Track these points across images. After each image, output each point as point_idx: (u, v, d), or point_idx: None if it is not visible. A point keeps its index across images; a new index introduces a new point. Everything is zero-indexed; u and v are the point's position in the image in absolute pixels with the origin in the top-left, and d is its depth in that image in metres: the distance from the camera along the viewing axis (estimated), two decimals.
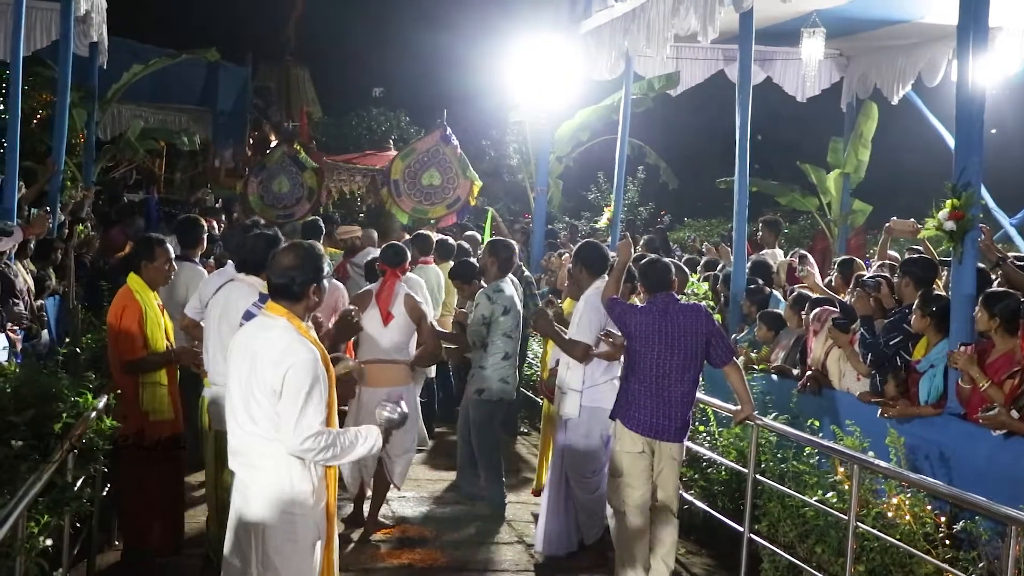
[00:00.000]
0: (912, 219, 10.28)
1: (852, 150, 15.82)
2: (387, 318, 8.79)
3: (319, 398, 4.88)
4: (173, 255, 8.02)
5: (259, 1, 30.11)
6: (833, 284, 10.50)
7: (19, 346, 9.19)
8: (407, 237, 13.43)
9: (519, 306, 9.74)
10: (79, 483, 6.22)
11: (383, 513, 9.35)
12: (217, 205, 19.50)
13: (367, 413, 8.18)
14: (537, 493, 9.96)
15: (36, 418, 6.12)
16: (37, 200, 12.69)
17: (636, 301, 8.55)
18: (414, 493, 10.16)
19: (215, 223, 15.81)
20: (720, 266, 13.27)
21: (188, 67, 20.02)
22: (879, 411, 8.01)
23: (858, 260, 10.72)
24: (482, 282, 9.91)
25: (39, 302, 10.27)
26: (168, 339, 7.77)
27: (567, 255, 15.20)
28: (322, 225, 13.17)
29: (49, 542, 5.32)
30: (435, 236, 13.36)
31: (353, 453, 5.08)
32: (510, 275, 9.88)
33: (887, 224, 10.55)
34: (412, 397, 9.06)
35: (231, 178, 18.64)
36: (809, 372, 9.09)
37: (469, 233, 16.05)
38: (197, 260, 9.53)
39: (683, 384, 7.51)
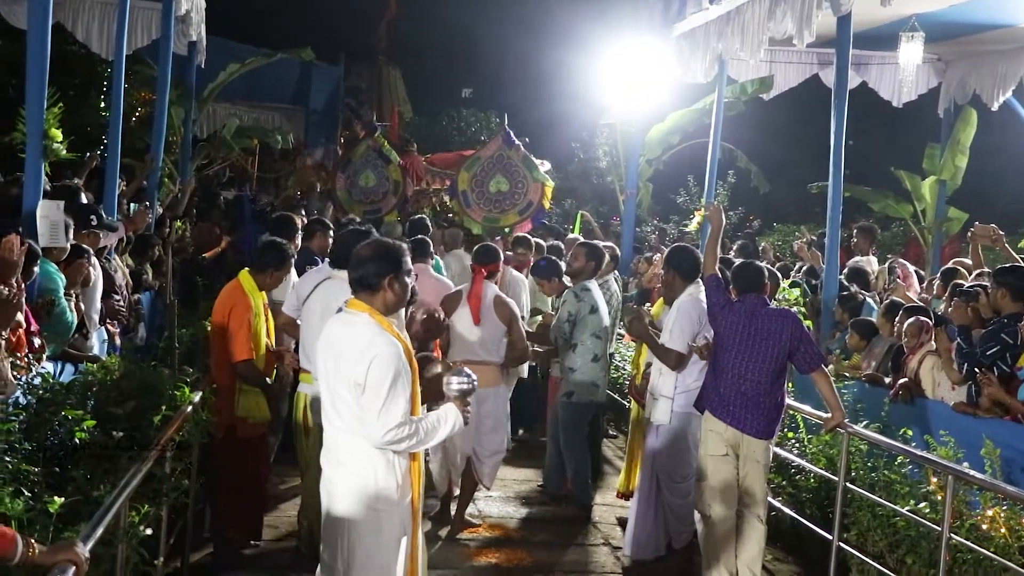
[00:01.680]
0: (993, 225, 10.18)
1: (949, 156, 15.59)
2: (476, 318, 8.86)
3: (402, 391, 4.92)
4: None
5: (352, 2, 30.37)
6: (935, 292, 10.41)
7: (117, 340, 9.36)
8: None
9: (607, 307, 9.76)
10: (176, 475, 6.35)
11: (470, 512, 9.42)
12: (304, 202, 19.69)
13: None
14: (622, 496, 9.97)
15: (136, 410, 6.25)
16: (136, 196, 12.90)
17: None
18: (500, 493, 10.20)
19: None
20: (809, 269, 13.17)
21: (282, 66, 20.21)
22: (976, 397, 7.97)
23: (961, 269, 10.56)
24: (568, 282, 9.93)
25: (135, 296, 10.47)
26: (269, 338, 7.89)
27: (657, 257, 15.18)
28: (429, 223, 13.34)
29: (149, 531, 5.43)
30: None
31: (436, 437, 5.12)
32: (613, 275, 10.01)
33: (970, 231, 10.46)
34: (502, 399, 9.07)
35: (314, 173, 18.71)
36: (902, 380, 9.00)
37: (553, 243, 16.05)
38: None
39: (764, 385, 7.52)
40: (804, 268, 13.52)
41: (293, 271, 9.35)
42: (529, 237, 13.15)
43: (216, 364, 7.70)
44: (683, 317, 8.23)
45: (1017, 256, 10.15)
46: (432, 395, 5.47)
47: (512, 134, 15.88)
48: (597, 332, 9.45)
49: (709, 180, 15.56)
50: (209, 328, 8.02)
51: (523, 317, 10.22)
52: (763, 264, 8.46)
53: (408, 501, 5.12)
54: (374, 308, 5.07)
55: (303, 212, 15.72)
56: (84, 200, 9.60)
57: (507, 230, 15.38)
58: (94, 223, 8.97)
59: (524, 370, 11.58)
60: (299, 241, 9.78)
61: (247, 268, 7.82)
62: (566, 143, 29.85)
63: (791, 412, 8.90)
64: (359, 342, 4.94)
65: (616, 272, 11.66)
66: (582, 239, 12.03)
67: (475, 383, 5.39)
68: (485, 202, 15.64)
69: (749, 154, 23.06)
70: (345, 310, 5.13)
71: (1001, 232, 10.10)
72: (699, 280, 8.30)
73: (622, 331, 11.23)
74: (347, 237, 7.28)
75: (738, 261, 8.60)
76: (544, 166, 19.50)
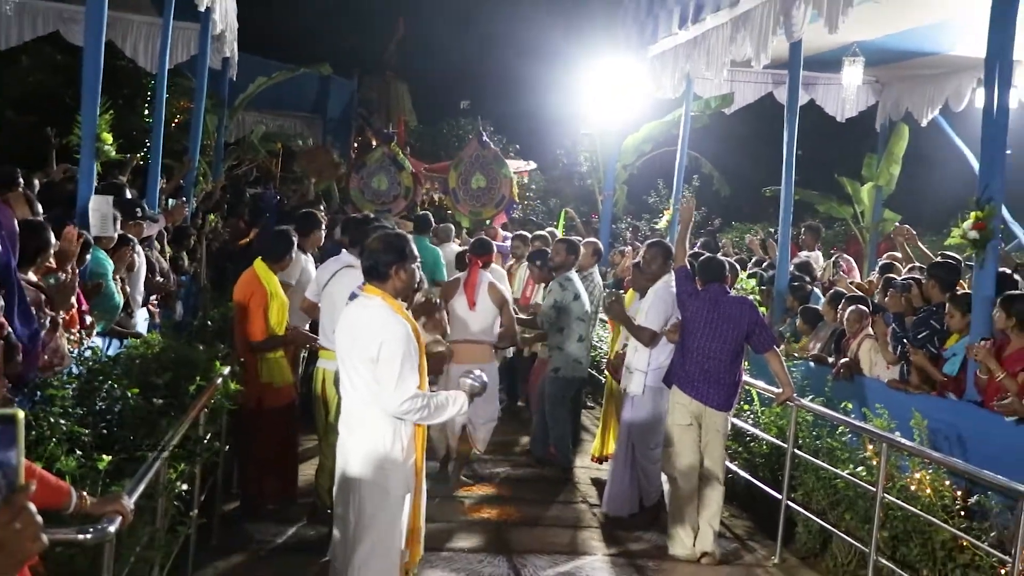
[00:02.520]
0: (906, 225, 10.41)
1: (884, 165, 15.67)
2: (471, 304, 8.87)
3: (412, 365, 4.92)
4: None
5: (365, 25, 30.31)
6: (874, 283, 10.45)
7: (157, 319, 9.36)
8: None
9: (587, 295, 9.77)
10: (208, 438, 6.37)
11: (465, 472, 9.44)
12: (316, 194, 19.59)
13: (454, 385, 8.31)
14: (597, 460, 9.99)
15: (174, 380, 6.25)
16: (174, 192, 12.88)
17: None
18: (492, 456, 10.19)
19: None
20: (765, 263, 13.20)
21: (304, 80, 20.16)
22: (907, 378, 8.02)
23: (896, 264, 10.60)
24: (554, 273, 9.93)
25: (175, 278, 10.46)
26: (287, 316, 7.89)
27: (629, 250, 15.18)
28: (431, 219, 13.34)
29: (184, 487, 5.44)
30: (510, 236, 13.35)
31: (445, 413, 5.10)
32: (596, 268, 10.09)
33: (892, 230, 10.59)
34: (493, 373, 9.06)
35: (330, 165, 18.61)
36: (844, 360, 9.03)
37: (541, 233, 16.02)
38: (309, 252, 9.55)
39: (725, 363, 7.58)
40: (762, 262, 13.53)
41: (311, 260, 9.35)
42: (526, 234, 13.14)
43: (238, 341, 7.70)
44: (659, 301, 8.27)
45: (929, 252, 10.29)
46: (432, 370, 5.49)
47: (485, 136, 16.01)
48: (580, 316, 9.51)
49: (677, 183, 15.57)
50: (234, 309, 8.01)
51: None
52: (724, 258, 8.47)
53: (412, 463, 5.12)
54: (385, 293, 5.06)
55: (323, 208, 15.64)
56: (129, 195, 9.59)
57: (488, 222, 15.52)
58: (139, 215, 8.99)
59: (510, 351, 11.62)
60: (322, 233, 9.71)
61: (260, 257, 7.81)
62: (551, 149, 29.70)
63: (747, 387, 8.94)
64: (374, 323, 4.94)
65: (597, 265, 11.64)
66: (561, 236, 12.04)
67: (485, 385, 5.43)
68: (470, 198, 15.76)
69: (712, 161, 23.12)
70: (360, 294, 5.12)
71: (913, 232, 10.26)
72: (672, 270, 8.31)
73: (604, 317, 11.22)
74: (374, 232, 7.28)
75: (704, 255, 8.62)
76: (530, 165, 19.58)
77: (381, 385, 4.89)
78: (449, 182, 15.98)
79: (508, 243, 13.37)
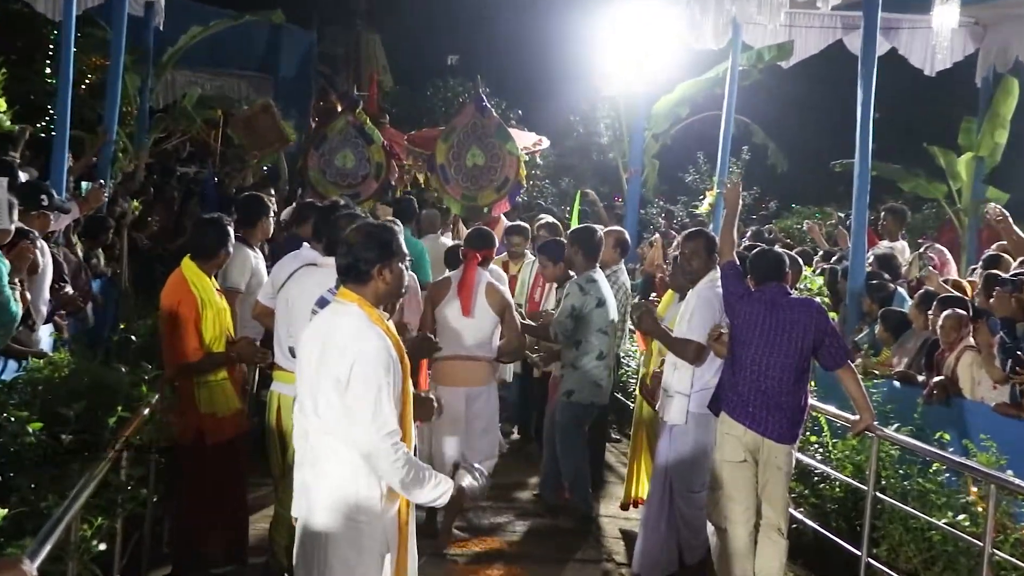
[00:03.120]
0: (997, 206, 10.32)
1: (987, 131, 15.60)
2: (467, 309, 8.81)
3: (389, 391, 4.86)
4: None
5: None
6: (975, 281, 10.40)
7: (66, 333, 9.30)
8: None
9: (615, 300, 9.72)
10: (132, 484, 6.30)
11: (458, 524, 9.40)
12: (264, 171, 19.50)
13: (444, 416, 8.24)
14: (625, 507, 9.95)
15: (88, 411, 6.21)
16: (86, 173, 12.86)
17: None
18: (492, 503, 10.14)
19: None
20: (835, 257, 13.17)
21: (249, 30, 20.18)
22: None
23: (1005, 256, 10.55)
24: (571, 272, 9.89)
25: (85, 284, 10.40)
26: (229, 330, 7.82)
27: (657, 238, 15.16)
28: (416, 206, 13.31)
29: (103, 546, 5.39)
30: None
31: (421, 490, 4.99)
32: (622, 264, 10.06)
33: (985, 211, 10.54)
34: (494, 398, 9.04)
35: (274, 133, 18.43)
36: (938, 379, 8.98)
37: (548, 219, 15.92)
38: (258, 247, 9.48)
39: (786, 384, 7.50)
40: (831, 255, 13.51)
41: (260, 257, 9.29)
42: (525, 226, 13.08)
43: (168, 361, 7.62)
44: (703, 305, 8.21)
45: None
46: (418, 416, 5.41)
47: (485, 99, 15.73)
48: (603, 327, 9.43)
49: (721, 157, 15.56)
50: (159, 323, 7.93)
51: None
52: (783, 251, 8.38)
53: (394, 514, 5.07)
54: (364, 299, 5.03)
55: (272, 192, 15.59)
56: (25, 177, 9.54)
57: (485, 210, 15.27)
58: (45, 203, 8.89)
59: (509, 372, 11.51)
60: (270, 223, 9.66)
61: (189, 255, 7.73)
62: (563, 116, 29.80)
63: (814, 414, 8.91)
64: (346, 333, 4.91)
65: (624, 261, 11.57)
66: (575, 225, 12.01)
67: (486, 490, 5.39)
68: (463, 177, 15.46)
69: (765, 128, 23.09)
70: (335, 300, 5.11)
71: (1006, 213, 10.20)
72: (717, 266, 8.26)
73: (630, 325, 11.16)
74: (342, 222, 7.20)
75: (757, 247, 8.55)
76: (543, 144, 19.43)
77: (351, 415, 4.84)
78: (436, 156, 15.83)
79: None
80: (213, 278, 7.76)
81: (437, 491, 5.05)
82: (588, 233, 9.79)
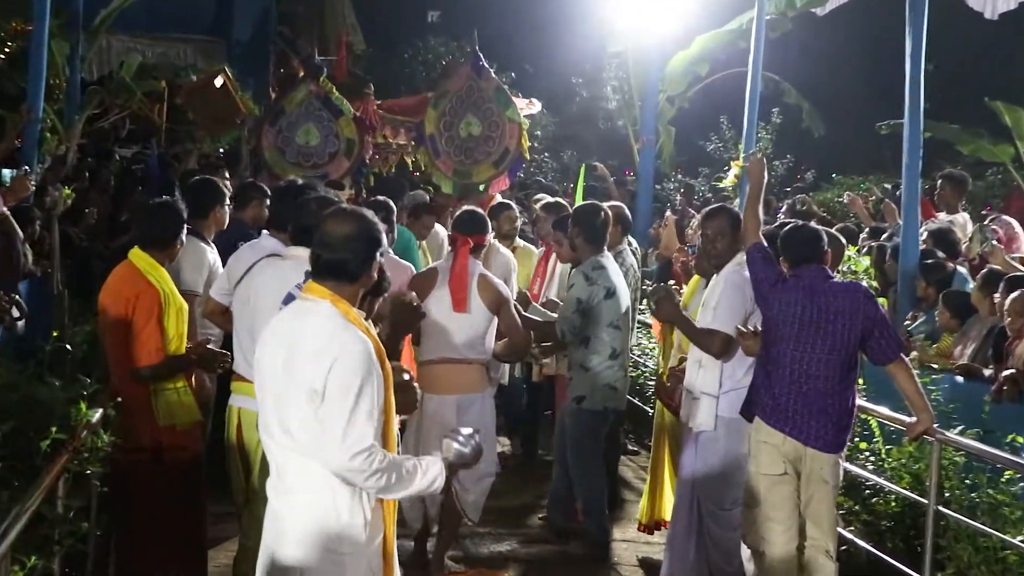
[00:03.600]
0: None
1: None
2: (459, 303, 8.76)
3: (371, 402, 4.87)
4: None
5: None
6: None
7: None
8: None
9: (627, 288, 9.69)
10: (71, 515, 6.28)
11: (453, 554, 9.39)
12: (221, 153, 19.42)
13: (432, 428, 8.26)
14: (647, 529, 9.95)
15: (17, 433, 6.18)
16: (8, 158, 12.84)
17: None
18: (491, 528, 10.15)
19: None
20: (887, 234, 13.14)
21: None
22: None
23: None
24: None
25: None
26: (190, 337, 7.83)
27: (669, 216, 15.16)
28: (406, 187, 13.30)
29: None
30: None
31: (410, 487, 5.02)
32: (627, 243, 10.02)
33: None
34: (489, 407, 8.99)
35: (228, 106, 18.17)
36: (1008, 372, 8.95)
37: (543, 200, 15.81)
38: (208, 236, 9.45)
39: (831, 383, 7.49)
40: (880, 231, 13.48)
41: (215, 252, 9.27)
42: (512, 205, 12.97)
43: (117, 371, 7.59)
44: (731, 291, 8.21)
45: None
46: (400, 407, 5.40)
47: (483, 59, 15.55)
48: (615, 321, 9.41)
49: (748, 122, 15.53)
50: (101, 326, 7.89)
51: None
52: (819, 227, 8.33)
53: (379, 543, 5.08)
54: (339, 295, 5.03)
55: (228, 176, 15.51)
56: None
57: (482, 187, 15.13)
58: None
59: (504, 373, 11.44)
60: (226, 212, 9.64)
61: (138, 245, 7.72)
62: (564, 78, 29.81)
63: (863, 416, 8.89)
64: (320, 336, 4.91)
65: (631, 240, 11.52)
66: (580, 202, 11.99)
67: (480, 453, 5.36)
68: (456, 150, 15.28)
69: (799, 87, 23.09)
70: (301, 296, 5.11)
71: None
72: (741, 249, 8.24)
73: (645, 316, 11.15)
74: (316, 206, 7.16)
75: (790, 224, 8.50)
76: (533, 107, 19.29)
77: (324, 427, 4.83)
78: (425, 125, 15.69)
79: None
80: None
81: (427, 479, 5.08)
82: (590, 212, 9.76)
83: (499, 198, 14.54)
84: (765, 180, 8.39)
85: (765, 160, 8.55)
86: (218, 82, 16.72)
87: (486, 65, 15.52)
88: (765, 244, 7.92)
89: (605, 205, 10.43)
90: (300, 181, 8.53)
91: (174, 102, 19.86)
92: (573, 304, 9.40)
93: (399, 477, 4.94)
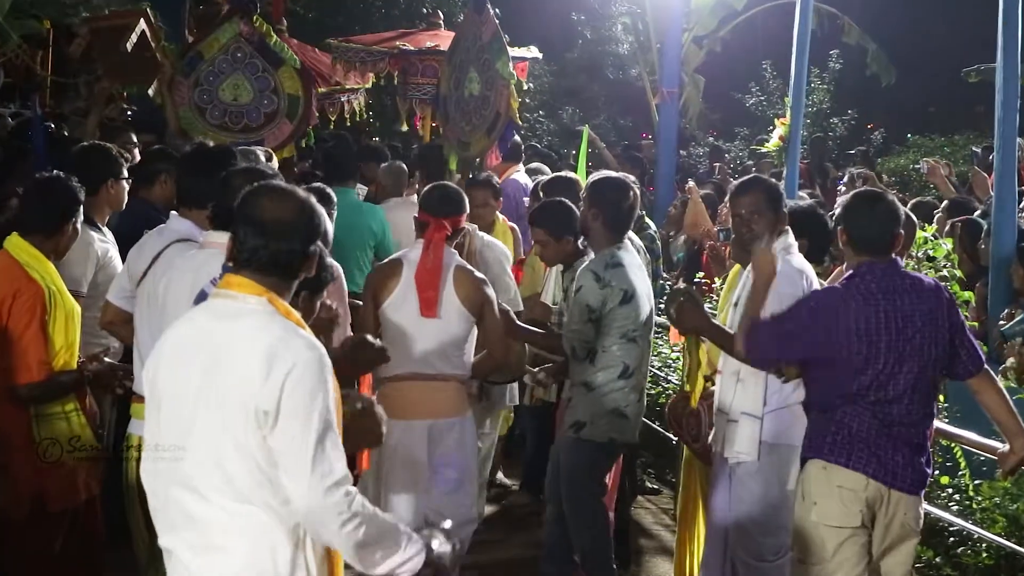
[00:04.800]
0: None
1: None
2: (428, 306, 8.67)
3: (334, 423, 4.86)
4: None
5: None
6: None
7: None
8: None
9: (649, 289, 9.55)
10: None
11: None
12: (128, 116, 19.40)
13: (396, 464, 8.26)
14: None
15: None
16: None
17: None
18: None
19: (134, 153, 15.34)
20: (980, 211, 13.16)
21: None
22: None
23: None
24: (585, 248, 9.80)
25: None
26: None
27: (692, 187, 15.16)
28: (386, 153, 13.26)
29: None
30: None
31: (389, 551, 4.97)
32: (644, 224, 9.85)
33: None
34: (469, 435, 8.87)
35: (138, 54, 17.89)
36: None
37: (533, 165, 15.79)
38: (99, 220, 9.42)
39: (918, 406, 7.42)
40: (964, 206, 13.50)
41: (111, 240, 9.27)
42: (492, 177, 12.86)
43: None
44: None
45: None
46: (358, 444, 5.41)
47: None
48: (631, 332, 9.20)
49: (797, 68, 15.54)
50: None
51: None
52: (894, 200, 8.25)
53: None
54: (277, 296, 5.00)
55: (134, 140, 15.44)
56: None
57: (478, 161, 14.88)
58: None
59: (515, 394, 11.33)
60: (122, 191, 9.63)
61: (18, 231, 7.71)
62: (562, 16, 29.83)
63: (943, 442, 8.90)
64: (262, 342, 4.83)
65: (649, 223, 11.51)
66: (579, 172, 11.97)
67: (459, 558, 5.39)
68: (461, 114, 14.99)
69: (863, 24, 23.16)
70: (221, 292, 5.04)
71: None
72: (787, 230, 8.23)
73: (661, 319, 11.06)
74: (237, 181, 7.11)
75: (853, 197, 8.38)
76: (531, 53, 19.23)
77: (284, 463, 4.79)
78: (440, 84, 15.47)
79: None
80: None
81: (407, 554, 5.03)
82: (615, 188, 9.53)
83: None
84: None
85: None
86: (135, 33, 16.44)
87: (487, 1, 14.82)
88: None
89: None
90: (214, 144, 8.47)
91: (62, 48, 19.84)
92: (583, 312, 9.13)
93: (381, 533, 4.91)
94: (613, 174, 10.22)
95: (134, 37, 15.97)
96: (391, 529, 4.97)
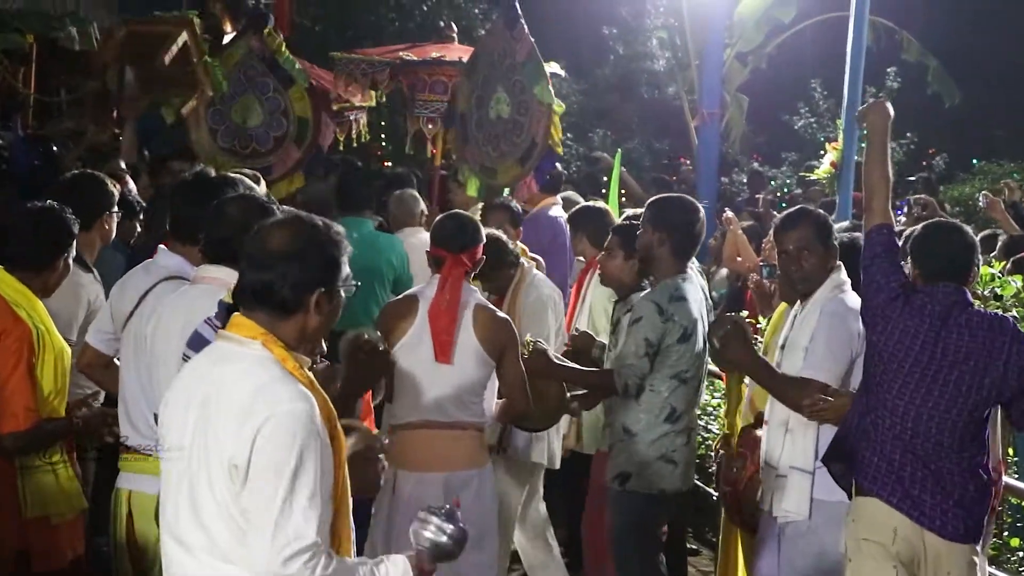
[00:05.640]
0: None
1: None
2: (442, 351, 8.57)
3: (314, 484, 4.80)
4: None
5: None
6: None
7: None
8: None
9: (705, 323, 9.36)
10: None
11: None
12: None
13: (407, 520, 8.21)
14: None
15: None
16: None
17: None
18: None
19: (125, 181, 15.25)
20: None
21: None
22: None
23: None
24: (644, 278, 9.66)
25: None
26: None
27: (730, 217, 15.14)
28: (413, 178, 13.20)
29: None
30: None
31: None
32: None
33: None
34: (488, 489, 8.79)
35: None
36: None
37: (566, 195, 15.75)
38: (88, 257, 9.42)
39: (949, 442, 7.41)
40: (1007, 239, 13.52)
41: (95, 280, 9.29)
42: (509, 203, 12.76)
43: None
44: (832, 323, 8.05)
45: None
46: (358, 487, 5.39)
47: (518, 8, 14.88)
48: (682, 373, 9.17)
49: (851, 87, 15.57)
50: None
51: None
52: (968, 232, 8.15)
53: None
54: (276, 335, 4.96)
55: (124, 167, 15.45)
56: None
57: (506, 191, 14.68)
58: None
59: (554, 452, 11.17)
60: (113, 222, 9.63)
61: (3, 266, 7.70)
62: (592, 30, 29.87)
63: (1012, 499, 8.87)
64: (243, 390, 4.83)
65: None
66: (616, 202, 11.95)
67: (463, 538, 5.33)
68: (485, 136, 14.71)
69: (923, 38, 23.16)
70: (223, 334, 5.04)
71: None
72: (840, 266, 8.20)
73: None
74: (235, 209, 7.05)
75: (922, 228, 8.28)
76: (550, 68, 19.08)
77: (249, 518, 4.80)
78: (458, 100, 15.27)
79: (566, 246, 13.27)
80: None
81: None
82: (682, 209, 9.50)
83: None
84: (889, 128, 8.16)
85: (887, 105, 8.29)
86: (176, 45, 16.15)
87: (521, 17, 14.61)
88: (894, 228, 7.77)
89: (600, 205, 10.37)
90: (212, 172, 8.41)
91: (50, 64, 19.92)
92: (639, 346, 9.10)
93: None
94: (678, 195, 10.20)
95: (174, 49, 15.84)
96: (362, 571, 4.99)
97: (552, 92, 14.02)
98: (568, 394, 9.46)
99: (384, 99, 18.84)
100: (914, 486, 7.40)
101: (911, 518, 7.40)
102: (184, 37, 15.75)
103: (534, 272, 10.84)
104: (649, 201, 9.76)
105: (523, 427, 9.29)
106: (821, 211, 8.97)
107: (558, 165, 15.55)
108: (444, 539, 5.21)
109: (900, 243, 7.85)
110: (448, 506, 5.33)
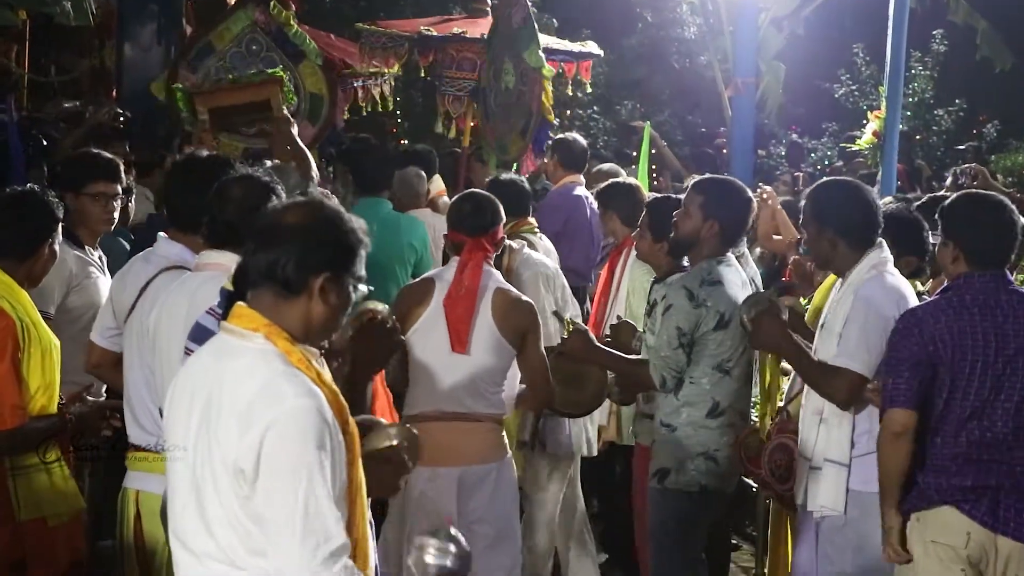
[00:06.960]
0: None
1: None
2: (458, 340, 8.59)
3: (333, 479, 4.78)
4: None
5: None
6: None
7: None
8: None
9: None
10: None
11: None
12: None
13: (422, 516, 8.18)
14: None
15: None
16: None
17: None
18: None
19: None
20: None
21: None
22: None
23: None
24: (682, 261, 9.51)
25: None
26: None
27: (767, 191, 15.12)
28: (434, 155, 13.15)
29: None
30: None
31: None
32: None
33: None
34: (508, 484, 8.82)
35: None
36: None
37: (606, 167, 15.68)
38: (90, 244, 9.46)
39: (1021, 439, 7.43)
40: None
41: (90, 256, 9.28)
42: (519, 180, 12.60)
43: None
44: (867, 309, 7.94)
45: None
46: (379, 488, 5.36)
47: None
48: (724, 363, 9.03)
49: (894, 52, 15.54)
50: None
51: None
52: (1010, 206, 8.04)
53: None
54: (279, 325, 4.91)
55: (128, 148, 15.42)
56: None
57: (515, 165, 14.71)
58: None
59: (591, 438, 11.12)
60: (115, 207, 9.63)
61: None
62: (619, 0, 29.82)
63: None
64: (248, 387, 4.79)
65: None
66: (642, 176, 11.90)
67: (467, 562, 5.28)
68: (500, 109, 14.73)
69: (973, 1, 23.05)
70: (225, 325, 5.00)
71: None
72: (882, 243, 8.15)
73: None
74: (239, 190, 7.00)
75: (959, 200, 8.17)
76: (588, 48, 18.95)
77: (267, 526, 4.78)
78: (481, 77, 15.19)
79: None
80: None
81: None
82: (738, 195, 9.43)
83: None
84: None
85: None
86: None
87: None
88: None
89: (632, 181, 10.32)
90: (203, 154, 8.37)
91: (44, 41, 19.89)
92: (671, 336, 8.95)
93: None
94: (729, 178, 10.16)
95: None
96: None
97: (543, 57, 13.93)
98: (610, 377, 9.43)
99: (400, 72, 18.75)
100: (986, 492, 7.35)
101: (985, 526, 7.35)
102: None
103: (525, 252, 10.72)
104: (699, 183, 9.58)
105: (562, 413, 9.27)
106: (855, 181, 8.89)
107: (578, 137, 15.49)
108: (448, 561, 5.18)
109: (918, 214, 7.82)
110: (439, 530, 5.31)
